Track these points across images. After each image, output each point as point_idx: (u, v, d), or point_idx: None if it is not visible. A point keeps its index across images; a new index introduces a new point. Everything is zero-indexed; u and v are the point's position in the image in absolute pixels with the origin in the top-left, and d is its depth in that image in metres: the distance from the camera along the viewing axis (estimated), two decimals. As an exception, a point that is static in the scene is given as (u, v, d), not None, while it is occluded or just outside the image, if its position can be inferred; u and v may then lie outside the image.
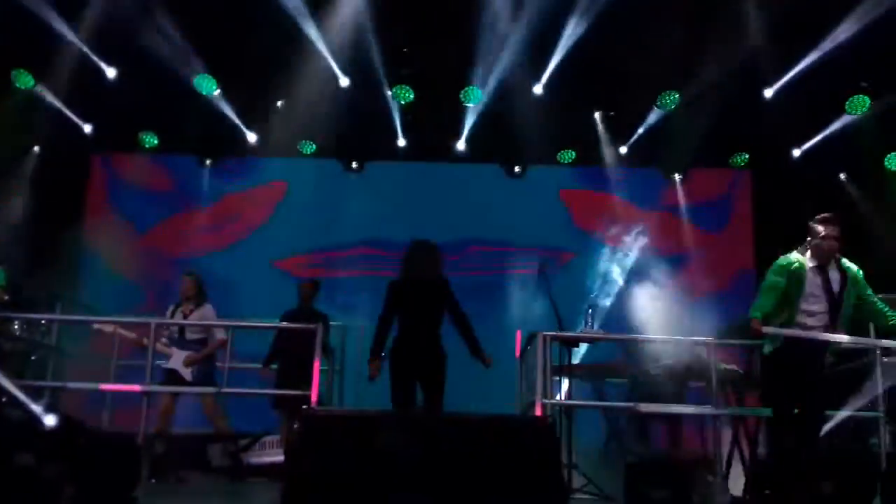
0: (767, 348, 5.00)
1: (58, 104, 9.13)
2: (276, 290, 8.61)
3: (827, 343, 4.88)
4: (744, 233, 10.31)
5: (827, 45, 8.23)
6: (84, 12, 8.20)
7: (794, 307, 4.89)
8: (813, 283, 4.90)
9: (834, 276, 4.94)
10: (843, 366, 6.19)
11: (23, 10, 7.79)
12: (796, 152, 9.81)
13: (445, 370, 5.42)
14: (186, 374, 6.70)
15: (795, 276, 4.91)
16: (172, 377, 6.71)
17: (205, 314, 6.85)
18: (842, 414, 5.64)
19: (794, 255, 5.02)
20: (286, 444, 7.09)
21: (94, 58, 8.60)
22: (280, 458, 7.31)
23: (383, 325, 5.47)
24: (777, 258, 5.05)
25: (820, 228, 4.95)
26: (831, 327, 4.86)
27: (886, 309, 4.97)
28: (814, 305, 4.89)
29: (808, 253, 4.99)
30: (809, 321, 4.88)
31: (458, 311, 5.49)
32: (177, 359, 6.75)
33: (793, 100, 8.99)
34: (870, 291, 5.01)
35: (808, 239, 5.01)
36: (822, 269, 4.94)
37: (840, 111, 9.05)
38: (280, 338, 7.28)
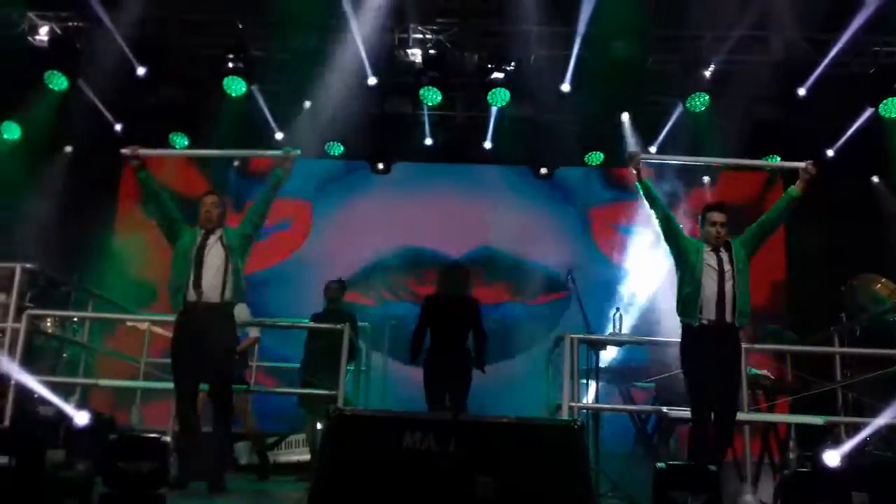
0: (685, 321, 4.99)
1: (95, 101, 9.25)
2: (304, 290, 8.65)
3: (732, 332, 4.89)
4: (775, 238, 10.13)
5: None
6: (119, 12, 8.35)
7: (699, 283, 4.91)
8: (709, 260, 4.98)
9: (724, 256, 5.02)
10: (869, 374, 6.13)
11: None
12: (830, 153, 9.65)
13: (471, 378, 6.10)
14: None
15: (695, 248, 5.01)
16: None
17: (238, 314, 6.88)
18: (876, 421, 5.55)
19: None
20: (312, 444, 7.14)
21: (129, 56, 8.69)
22: (306, 456, 7.36)
23: (418, 336, 6.20)
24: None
25: (706, 216, 5.11)
26: (722, 303, 4.88)
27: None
28: (709, 282, 4.93)
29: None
30: (705, 305, 4.90)
31: (478, 330, 6.17)
32: None
33: (826, 100, 8.87)
34: (758, 221, 5.15)
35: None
36: (715, 251, 5.03)
37: (874, 113, 8.89)
38: (309, 339, 7.31)
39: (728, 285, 4.92)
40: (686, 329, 5.00)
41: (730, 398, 4.98)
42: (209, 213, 5.19)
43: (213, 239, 5.12)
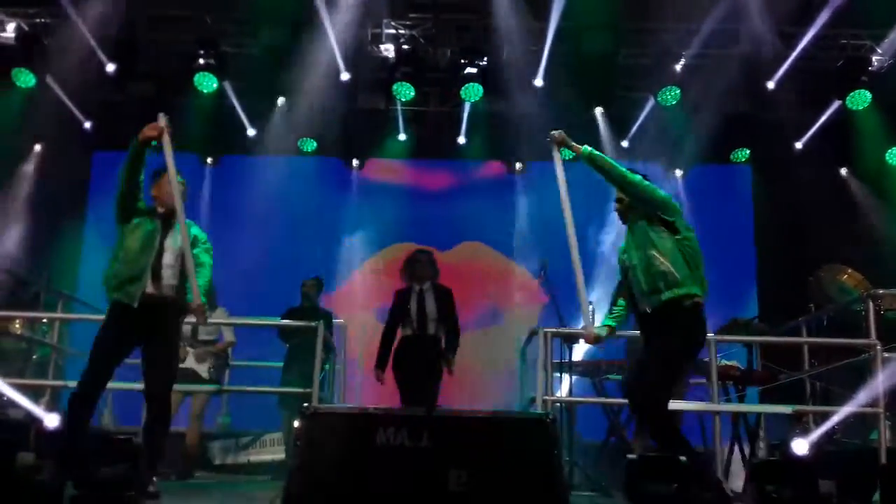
0: (697, 299, 4.21)
1: (64, 98, 9.11)
2: (279, 291, 8.59)
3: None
4: (744, 229, 10.28)
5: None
6: (88, 8, 8.25)
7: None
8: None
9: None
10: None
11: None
12: (798, 145, 9.77)
13: (442, 371, 5.94)
14: (203, 371, 6.71)
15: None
16: (185, 376, 6.64)
17: (217, 317, 6.84)
18: (843, 410, 5.64)
19: None
20: (288, 442, 7.12)
21: (99, 52, 8.59)
22: (281, 455, 7.34)
23: (387, 337, 6.03)
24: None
25: None
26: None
27: None
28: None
29: None
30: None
31: (450, 320, 6.01)
32: (192, 359, 6.75)
33: (794, 93, 9.00)
34: None
35: None
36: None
37: (842, 105, 9.01)
38: (286, 336, 7.28)
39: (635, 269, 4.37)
40: None
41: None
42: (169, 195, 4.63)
43: (173, 232, 4.62)
